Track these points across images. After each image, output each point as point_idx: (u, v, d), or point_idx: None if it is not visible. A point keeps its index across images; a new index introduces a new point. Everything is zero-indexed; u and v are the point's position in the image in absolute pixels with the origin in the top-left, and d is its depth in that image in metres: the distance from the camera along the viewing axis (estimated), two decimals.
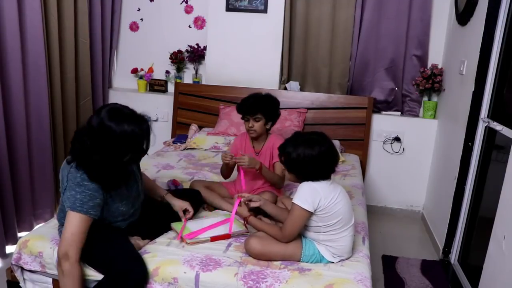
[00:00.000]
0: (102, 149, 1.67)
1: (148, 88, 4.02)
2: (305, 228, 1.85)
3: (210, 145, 3.40)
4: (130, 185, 1.90)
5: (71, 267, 1.66)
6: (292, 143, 1.81)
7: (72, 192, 1.70)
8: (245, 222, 1.98)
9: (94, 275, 1.79)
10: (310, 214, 1.76)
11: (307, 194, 1.75)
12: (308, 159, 1.74)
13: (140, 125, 1.71)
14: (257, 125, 2.36)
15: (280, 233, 1.82)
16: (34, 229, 2.78)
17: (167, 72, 4.00)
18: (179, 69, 3.92)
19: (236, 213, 2.01)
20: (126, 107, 1.75)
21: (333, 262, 1.83)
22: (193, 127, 3.64)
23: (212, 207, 2.34)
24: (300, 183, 1.83)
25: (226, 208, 2.28)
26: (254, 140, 2.48)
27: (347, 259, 1.87)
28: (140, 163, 2.06)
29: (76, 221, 1.68)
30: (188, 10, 3.87)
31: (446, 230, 2.94)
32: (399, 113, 3.70)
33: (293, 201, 1.77)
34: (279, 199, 2.27)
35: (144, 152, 1.77)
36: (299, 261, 1.83)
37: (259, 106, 2.36)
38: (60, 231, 1.90)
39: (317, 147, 1.75)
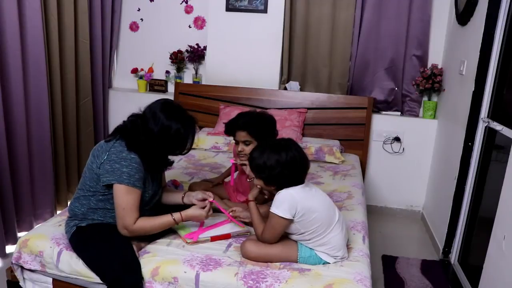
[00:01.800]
0: (150, 135, 1.79)
1: (148, 88, 4.02)
2: (290, 235, 1.83)
3: (210, 145, 3.41)
4: (154, 180, 1.94)
5: (133, 232, 1.78)
6: (259, 149, 1.79)
7: (117, 165, 1.76)
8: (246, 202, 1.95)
9: (92, 276, 1.79)
10: (289, 221, 1.74)
11: (284, 202, 1.72)
12: (275, 165, 1.72)
13: (186, 126, 1.82)
14: (248, 149, 2.11)
15: (260, 236, 1.81)
16: (34, 228, 2.78)
17: (167, 72, 4.00)
18: (179, 69, 3.92)
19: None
20: (179, 105, 1.90)
21: (329, 263, 1.83)
22: None
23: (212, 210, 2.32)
24: (269, 190, 1.82)
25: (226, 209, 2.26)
26: None
27: (343, 257, 1.85)
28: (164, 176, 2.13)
29: (124, 194, 1.76)
30: (188, 10, 3.87)
31: (446, 230, 2.94)
32: (399, 113, 3.70)
33: (270, 209, 1.75)
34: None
35: (185, 151, 1.88)
36: (296, 262, 1.82)
37: (247, 126, 2.12)
38: (68, 224, 1.91)
39: (284, 153, 1.72)
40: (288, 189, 1.74)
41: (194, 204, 1.96)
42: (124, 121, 1.90)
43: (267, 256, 1.80)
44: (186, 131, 1.83)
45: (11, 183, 2.77)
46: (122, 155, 1.77)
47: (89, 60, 3.50)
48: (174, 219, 1.85)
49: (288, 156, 1.72)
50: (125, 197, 1.76)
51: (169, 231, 2.03)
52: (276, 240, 1.80)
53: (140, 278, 1.73)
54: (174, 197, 2.07)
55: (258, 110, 2.31)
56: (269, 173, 1.74)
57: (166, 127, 1.79)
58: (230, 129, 2.18)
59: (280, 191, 1.76)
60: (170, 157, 1.98)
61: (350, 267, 1.81)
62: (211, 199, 1.95)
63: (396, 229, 3.51)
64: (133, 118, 1.87)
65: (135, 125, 1.82)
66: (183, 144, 1.86)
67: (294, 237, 1.83)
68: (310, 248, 1.82)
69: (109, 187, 1.79)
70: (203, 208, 1.91)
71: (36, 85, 2.91)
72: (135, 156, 1.78)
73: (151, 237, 1.95)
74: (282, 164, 1.71)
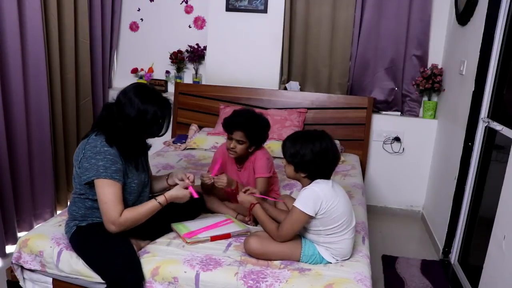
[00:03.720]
0: (127, 120, 1.78)
1: None
2: (305, 230, 1.85)
3: (210, 145, 3.40)
4: (139, 169, 1.94)
5: (121, 225, 1.75)
6: (291, 138, 1.84)
7: (93, 160, 1.75)
8: (250, 210, 1.97)
9: (92, 276, 1.79)
10: (310, 218, 1.76)
11: (308, 198, 1.75)
12: (308, 153, 1.76)
13: (162, 108, 1.83)
14: (239, 148, 2.19)
15: (276, 231, 1.83)
16: (34, 228, 2.78)
17: (167, 72, 4.00)
18: (179, 69, 3.92)
19: (241, 200, 1.99)
20: (153, 88, 1.90)
21: (331, 263, 1.84)
22: (193, 127, 3.64)
23: (211, 212, 2.32)
24: (297, 178, 1.84)
25: (225, 212, 2.26)
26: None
27: (347, 259, 1.87)
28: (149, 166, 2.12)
29: (104, 188, 1.74)
30: (188, 10, 3.87)
31: (446, 230, 2.94)
32: (399, 113, 3.70)
33: (294, 204, 1.78)
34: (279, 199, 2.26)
35: (162, 133, 1.88)
36: (298, 261, 1.83)
37: (244, 126, 2.16)
38: (68, 225, 1.91)
39: (317, 143, 1.77)
40: (314, 186, 1.78)
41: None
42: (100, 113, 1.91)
43: (270, 252, 1.81)
44: (162, 114, 1.83)
45: (11, 183, 2.77)
46: (96, 150, 1.77)
47: (89, 60, 3.50)
48: (159, 202, 1.84)
49: (322, 146, 1.77)
50: (105, 191, 1.74)
51: (169, 231, 2.03)
52: (293, 236, 1.82)
53: (142, 276, 1.73)
54: (160, 183, 2.12)
55: (256, 110, 2.31)
56: (301, 159, 1.77)
57: (142, 111, 1.78)
58: (229, 126, 2.20)
59: (304, 188, 1.79)
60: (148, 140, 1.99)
61: (350, 267, 1.81)
62: (190, 183, 1.95)
63: (396, 229, 3.51)
64: (108, 105, 1.86)
65: (110, 112, 1.82)
66: (160, 127, 1.86)
67: (308, 234, 1.84)
68: (314, 247, 1.83)
69: (92, 186, 1.78)
70: (186, 188, 1.91)
71: (36, 85, 2.91)
72: (109, 149, 1.78)
73: (151, 237, 1.96)
74: (315, 153, 1.75)
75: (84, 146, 1.80)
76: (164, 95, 3.94)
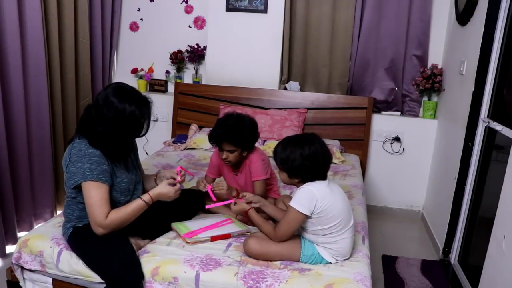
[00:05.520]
0: (105, 122, 1.75)
1: (148, 88, 4.02)
2: (303, 230, 1.85)
3: (210, 145, 3.38)
4: (129, 168, 1.94)
5: (108, 226, 1.74)
6: (282, 144, 1.83)
7: (79, 164, 1.75)
8: (246, 214, 1.97)
9: (92, 276, 1.80)
10: (306, 217, 1.76)
11: (304, 198, 1.75)
12: (298, 158, 1.76)
13: (141, 107, 1.79)
14: (232, 156, 2.19)
15: (273, 232, 1.83)
16: (34, 228, 2.79)
17: (167, 72, 4.00)
18: (179, 69, 3.92)
19: (235, 210, 2.00)
20: (132, 88, 1.86)
21: (331, 263, 1.84)
22: (193, 127, 3.64)
23: (212, 212, 2.32)
24: (292, 184, 1.85)
25: (225, 212, 2.24)
26: None
27: (347, 259, 1.87)
28: (140, 163, 2.08)
29: (91, 191, 1.74)
30: (188, 10, 3.87)
31: (446, 230, 2.94)
32: (399, 113, 3.70)
33: (289, 203, 1.78)
34: (278, 200, 2.27)
35: (142, 133, 1.85)
36: (298, 261, 1.83)
37: (229, 137, 2.13)
38: (65, 226, 1.91)
39: (307, 147, 1.76)
40: (309, 185, 1.77)
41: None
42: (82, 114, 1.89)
43: (269, 253, 1.81)
44: (141, 112, 1.80)
45: (11, 183, 2.77)
46: (81, 153, 1.76)
47: (89, 60, 3.49)
48: (144, 200, 1.82)
49: (311, 149, 1.76)
50: (91, 194, 1.74)
51: (169, 231, 2.03)
52: (290, 236, 1.82)
53: (141, 275, 1.73)
54: (149, 182, 2.11)
55: (237, 112, 2.28)
56: (291, 165, 1.77)
57: (120, 111, 1.75)
58: (216, 140, 2.19)
59: (301, 186, 1.79)
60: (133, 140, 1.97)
61: (350, 267, 1.81)
62: (178, 179, 1.95)
63: (396, 229, 3.51)
64: (88, 108, 1.84)
65: (89, 116, 1.80)
66: (140, 127, 1.83)
67: (306, 234, 1.84)
68: (314, 247, 1.83)
69: (81, 189, 1.78)
70: (173, 186, 1.89)
71: (36, 85, 2.91)
72: (94, 150, 1.77)
73: (151, 237, 1.96)
74: (304, 157, 1.75)
75: (70, 151, 1.80)
76: (164, 95, 3.98)
